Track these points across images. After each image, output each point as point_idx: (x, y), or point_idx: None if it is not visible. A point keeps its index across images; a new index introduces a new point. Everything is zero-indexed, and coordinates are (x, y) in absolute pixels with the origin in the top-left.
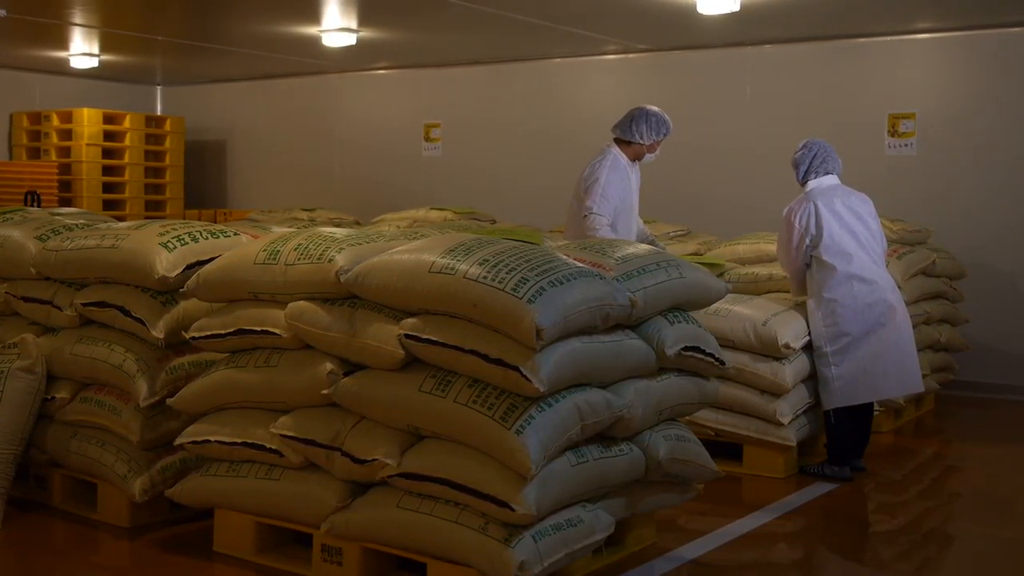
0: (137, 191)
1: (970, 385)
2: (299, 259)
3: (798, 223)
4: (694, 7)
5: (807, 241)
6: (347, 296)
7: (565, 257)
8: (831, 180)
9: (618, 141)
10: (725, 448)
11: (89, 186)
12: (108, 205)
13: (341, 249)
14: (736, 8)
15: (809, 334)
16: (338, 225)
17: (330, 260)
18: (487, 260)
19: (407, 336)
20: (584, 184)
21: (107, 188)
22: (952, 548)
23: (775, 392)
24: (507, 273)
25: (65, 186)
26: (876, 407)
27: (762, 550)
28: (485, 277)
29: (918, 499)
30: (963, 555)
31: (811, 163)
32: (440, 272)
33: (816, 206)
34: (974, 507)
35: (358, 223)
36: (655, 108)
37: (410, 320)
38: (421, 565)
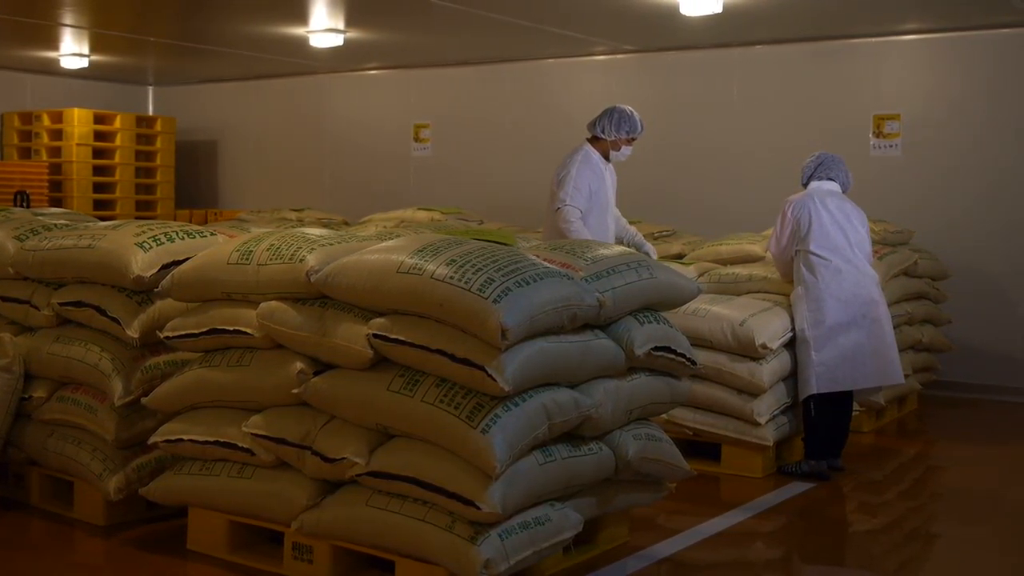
0: (128, 191)
1: (953, 385)
2: (271, 259)
3: (791, 213)
4: (677, 8)
5: (798, 232)
6: (318, 296)
7: (534, 258)
8: (831, 185)
9: (591, 139)
10: (704, 448)
11: (80, 186)
12: (99, 205)
13: (312, 249)
14: (719, 10)
15: (792, 324)
16: (326, 225)
17: (301, 260)
18: (454, 260)
19: (375, 336)
20: (556, 178)
21: (98, 188)
22: (933, 548)
23: (752, 392)
24: (473, 273)
25: (56, 186)
26: (856, 407)
27: (737, 549)
28: (452, 277)
29: (899, 499)
30: (944, 555)
31: (816, 169)
32: (408, 272)
33: (811, 201)
34: (956, 507)
35: (347, 223)
36: (626, 107)
37: (378, 320)
38: (390, 563)
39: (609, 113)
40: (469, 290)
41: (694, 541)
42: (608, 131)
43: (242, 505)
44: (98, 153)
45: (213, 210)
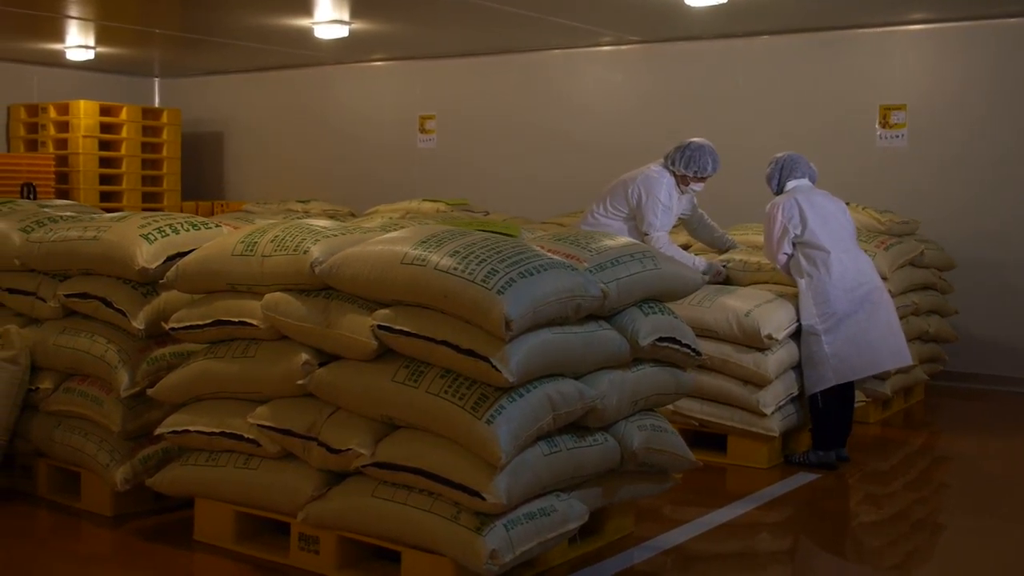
0: (134, 183)
1: (959, 376)
2: (275, 250)
3: (782, 214)
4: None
5: (792, 231)
6: (322, 287)
7: (538, 249)
8: (805, 182)
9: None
10: (710, 438)
11: (86, 178)
12: (105, 197)
13: (316, 240)
14: (723, 0)
15: (799, 317)
16: (332, 217)
17: (305, 251)
18: (458, 251)
19: (380, 327)
20: (641, 201)
21: (104, 180)
22: (939, 538)
23: (758, 383)
24: (477, 264)
25: (62, 178)
26: (862, 398)
27: (743, 539)
28: (455, 268)
29: (905, 490)
30: (950, 545)
31: (781, 173)
32: (412, 263)
33: (798, 199)
34: (962, 498)
35: (352, 214)
36: (702, 143)
37: (383, 311)
38: (396, 554)
39: (682, 148)
40: (473, 281)
41: (700, 532)
42: (678, 165)
43: (248, 496)
44: (104, 145)
45: (219, 202)
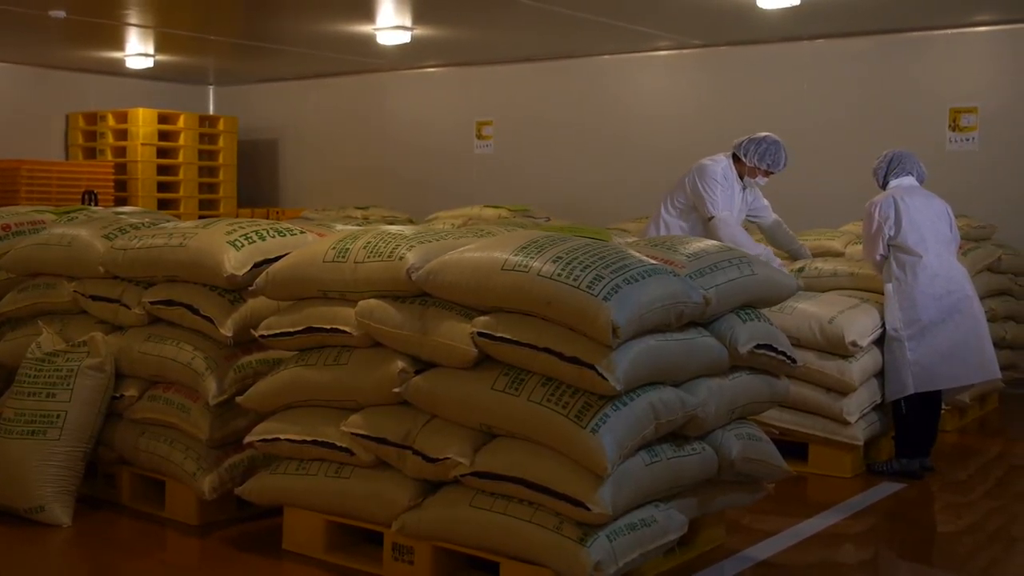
0: (191, 190)
1: None
2: (368, 257)
3: (878, 214)
4: (754, 2)
5: (887, 231)
6: (417, 294)
7: (638, 254)
8: (910, 180)
9: (734, 154)
10: (789, 447)
11: (144, 185)
12: (163, 204)
13: (411, 247)
14: (797, 2)
15: (883, 321)
16: (391, 223)
17: (400, 258)
18: (560, 257)
19: (480, 334)
20: (698, 186)
21: (162, 187)
22: (1017, 549)
23: (841, 391)
24: (581, 271)
25: (121, 185)
26: (943, 405)
27: (829, 551)
28: (559, 274)
29: (984, 499)
30: None
31: (888, 168)
32: (513, 270)
33: (896, 199)
34: None
35: (411, 221)
36: (776, 139)
37: (483, 318)
38: (494, 564)
39: (758, 141)
40: (578, 287)
41: (790, 543)
42: (751, 157)
43: (340, 505)
44: (162, 152)
45: (275, 209)
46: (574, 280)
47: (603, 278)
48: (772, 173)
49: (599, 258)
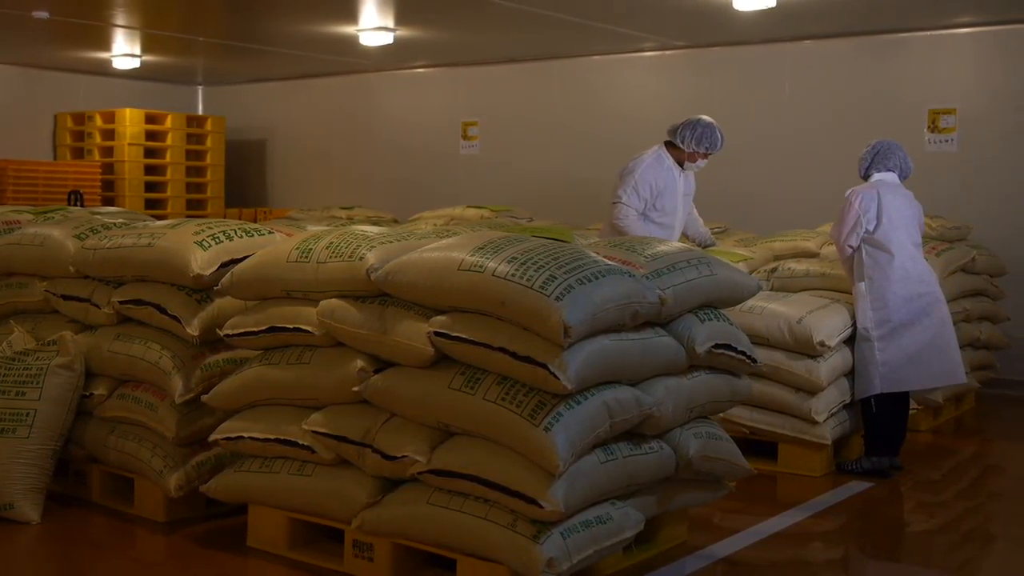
0: (179, 190)
1: (1011, 383)
2: (331, 257)
3: (858, 204)
4: (730, 4)
5: (864, 224)
6: (378, 294)
7: (595, 255)
8: (892, 177)
9: (668, 142)
10: (759, 446)
11: (131, 185)
12: (150, 204)
13: (372, 247)
14: (772, 4)
15: (853, 321)
16: (376, 223)
17: (361, 258)
18: (516, 258)
19: (436, 333)
20: (619, 173)
21: (149, 187)
22: (992, 548)
23: (810, 390)
24: (535, 271)
25: (108, 185)
26: (914, 405)
27: (795, 549)
28: (513, 275)
29: (957, 499)
30: (1003, 556)
31: (873, 159)
32: (469, 270)
33: (880, 194)
34: (1014, 507)
35: (396, 221)
36: (710, 121)
37: (439, 317)
38: (451, 561)
39: (692, 125)
40: (531, 287)
41: (753, 541)
42: (687, 143)
43: (302, 503)
44: (149, 153)
45: (263, 209)
46: (528, 280)
47: (556, 278)
48: (710, 155)
49: (554, 259)
